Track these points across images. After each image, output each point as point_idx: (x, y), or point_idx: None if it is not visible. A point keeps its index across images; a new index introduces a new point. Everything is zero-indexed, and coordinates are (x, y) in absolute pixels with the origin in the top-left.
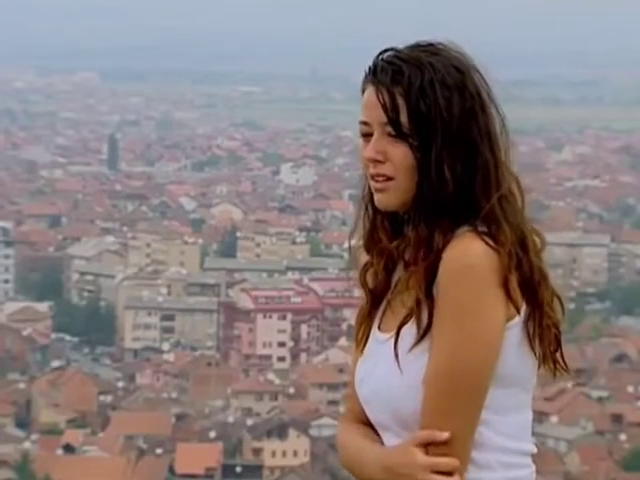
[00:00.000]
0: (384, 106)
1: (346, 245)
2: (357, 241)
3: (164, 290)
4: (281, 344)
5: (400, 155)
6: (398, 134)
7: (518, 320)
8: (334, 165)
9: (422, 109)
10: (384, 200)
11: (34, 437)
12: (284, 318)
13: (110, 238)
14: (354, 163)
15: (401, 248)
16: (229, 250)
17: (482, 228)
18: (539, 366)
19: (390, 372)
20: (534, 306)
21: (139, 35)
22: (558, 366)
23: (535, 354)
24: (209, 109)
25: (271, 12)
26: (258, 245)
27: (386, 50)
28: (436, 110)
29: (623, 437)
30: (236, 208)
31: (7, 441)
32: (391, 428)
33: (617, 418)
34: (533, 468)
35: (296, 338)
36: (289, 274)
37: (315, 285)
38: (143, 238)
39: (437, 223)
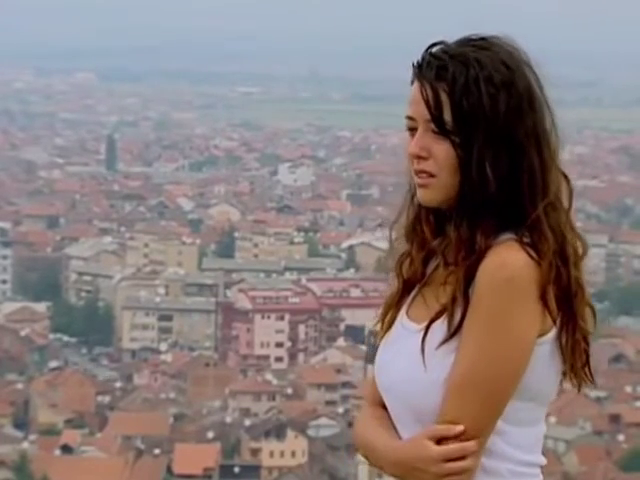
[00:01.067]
0: (427, 103)
1: (343, 245)
2: (397, 232)
3: (162, 290)
4: (279, 344)
5: (443, 153)
6: (441, 131)
7: (552, 333)
8: (332, 165)
9: (465, 107)
10: (426, 196)
11: (32, 437)
12: (282, 318)
13: (108, 238)
14: (352, 163)
15: (442, 246)
16: (227, 250)
17: (525, 238)
18: (563, 379)
19: (413, 366)
20: (568, 318)
21: (137, 36)
22: (585, 379)
23: (563, 368)
24: (207, 109)
25: (269, 13)
26: (256, 245)
27: (435, 44)
28: (480, 108)
29: (621, 437)
30: (234, 208)
31: (5, 441)
32: (406, 420)
33: (615, 418)
34: (541, 478)
35: (294, 338)
36: (287, 274)
37: (313, 285)
38: (141, 238)
39: (480, 224)
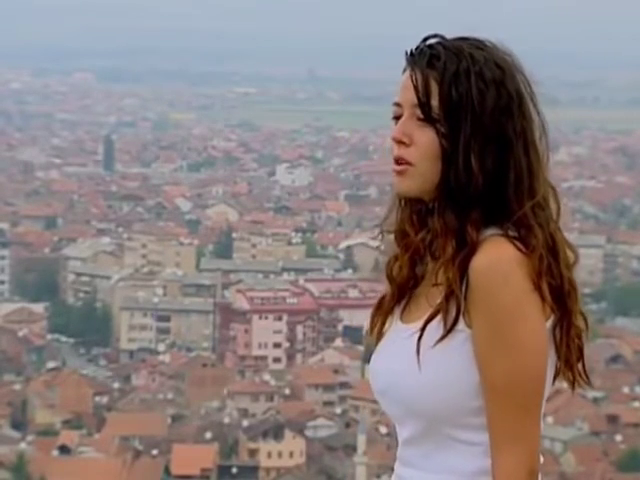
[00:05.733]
0: (416, 88)
1: (341, 246)
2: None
3: (160, 291)
4: (277, 345)
5: (426, 140)
6: (427, 118)
7: (549, 323)
8: (330, 166)
9: (454, 96)
10: (402, 185)
11: (30, 438)
12: (280, 319)
13: (106, 239)
14: (350, 164)
15: (427, 240)
16: (225, 251)
17: (512, 232)
18: (557, 375)
19: (407, 368)
20: (563, 314)
21: (135, 36)
22: (579, 378)
23: (557, 362)
24: (205, 110)
25: (267, 13)
26: (254, 246)
27: (432, 36)
28: (468, 100)
29: (619, 438)
30: (232, 209)
31: (3, 442)
32: (405, 421)
33: (613, 419)
34: (539, 477)
35: (292, 339)
36: (285, 275)
37: (311, 286)
38: (139, 239)
39: (467, 215)
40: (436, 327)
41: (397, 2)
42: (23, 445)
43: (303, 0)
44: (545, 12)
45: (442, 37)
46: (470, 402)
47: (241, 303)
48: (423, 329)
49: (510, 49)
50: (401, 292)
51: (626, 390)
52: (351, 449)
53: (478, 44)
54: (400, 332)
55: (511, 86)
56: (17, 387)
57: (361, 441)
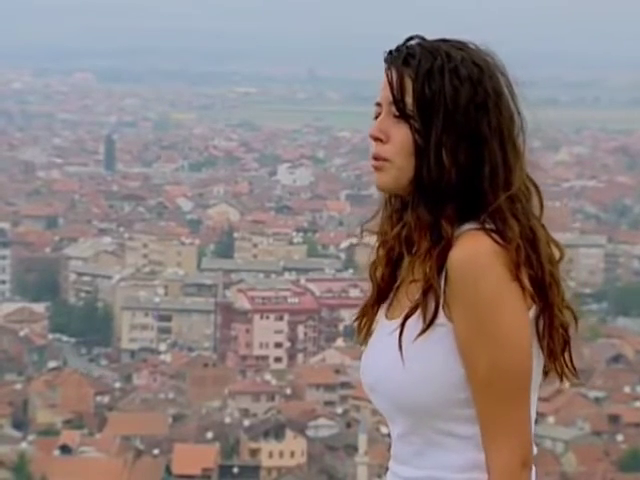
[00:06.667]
0: (391, 85)
1: (342, 246)
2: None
3: (161, 291)
4: (278, 345)
5: (400, 136)
6: (401, 114)
7: (531, 313)
8: (331, 166)
9: (427, 93)
10: (380, 180)
11: (31, 438)
12: (281, 319)
13: (107, 239)
14: (351, 164)
15: (402, 235)
16: (226, 251)
17: (489, 225)
18: (546, 368)
19: (392, 364)
20: (544, 305)
21: (136, 36)
22: (566, 369)
23: (543, 352)
24: (206, 110)
25: (268, 13)
26: (255, 246)
27: (413, 37)
28: (441, 96)
29: (620, 438)
30: (233, 209)
31: (4, 442)
32: (395, 417)
33: (614, 419)
34: (534, 468)
35: (293, 339)
36: (286, 275)
37: (312, 286)
38: (140, 239)
39: (441, 210)
40: (416, 322)
41: (397, 2)
42: (24, 445)
43: (304, 0)
44: (545, 12)
45: (421, 37)
46: (456, 394)
47: (242, 303)
48: (403, 325)
49: (493, 51)
50: (382, 291)
51: (627, 390)
52: (352, 449)
53: (459, 45)
54: (385, 328)
55: (489, 84)
56: (18, 387)
57: (362, 441)
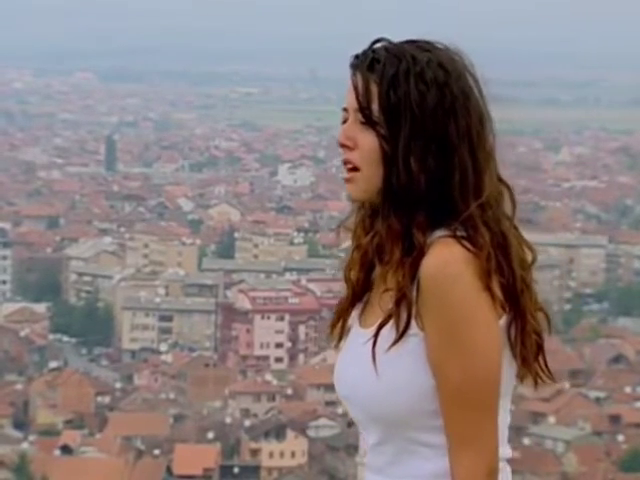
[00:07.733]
0: (356, 91)
1: (343, 246)
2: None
3: (162, 291)
4: (279, 345)
5: (367, 143)
6: (367, 121)
7: (502, 322)
8: (332, 166)
9: (392, 98)
10: (351, 190)
11: (32, 438)
12: (282, 319)
13: (108, 239)
14: None
15: (374, 243)
16: (227, 251)
17: (460, 232)
18: (521, 374)
19: (366, 373)
20: (516, 312)
21: (137, 36)
22: (541, 373)
23: (515, 360)
24: (207, 110)
25: (269, 13)
26: (256, 246)
27: (379, 40)
28: (407, 101)
29: (621, 438)
30: (234, 209)
31: (5, 442)
32: (368, 427)
33: (615, 419)
34: (508, 469)
35: (294, 339)
36: (287, 275)
37: (313, 286)
38: (141, 239)
39: (412, 218)
40: (389, 332)
41: (398, 2)
42: (25, 445)
43: (305, 0)
44: (546, 13)
45: (388, 40)
46: (428, 405)
47: (243, 303)
48: (376, 335)
49: (462, 50)
50: (356, 294)
51: (628, 390)
52: (353, 449)
53: (426, 46)
54: (358, 337)
55: (456, 86)
56: (19, 387)
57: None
